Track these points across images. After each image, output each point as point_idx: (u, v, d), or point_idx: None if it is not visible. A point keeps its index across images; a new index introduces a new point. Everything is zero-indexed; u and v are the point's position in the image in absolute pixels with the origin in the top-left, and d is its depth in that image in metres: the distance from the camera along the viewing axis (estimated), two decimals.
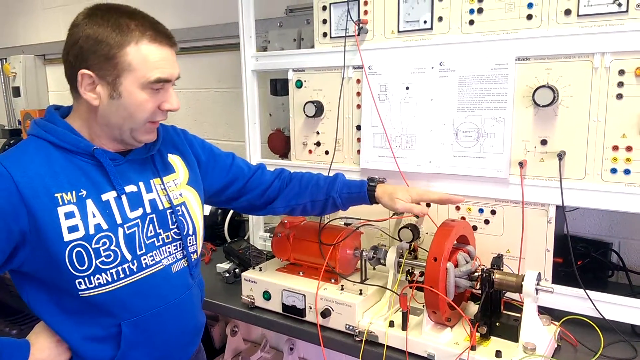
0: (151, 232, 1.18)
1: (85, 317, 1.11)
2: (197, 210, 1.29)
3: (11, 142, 3.13)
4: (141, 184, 1.18)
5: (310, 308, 1.42)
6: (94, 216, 1.08)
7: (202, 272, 1.85)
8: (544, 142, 1.35)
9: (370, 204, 1.39)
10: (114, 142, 1.15)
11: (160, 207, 1.20)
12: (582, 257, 1.60)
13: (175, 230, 1.23)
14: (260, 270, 1.57)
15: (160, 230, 1.20)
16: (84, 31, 1.05)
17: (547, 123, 1.34)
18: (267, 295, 1.49)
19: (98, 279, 1.08)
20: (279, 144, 2.04)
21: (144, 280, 1.15)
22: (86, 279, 1.07)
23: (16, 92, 3.30)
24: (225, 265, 1.82)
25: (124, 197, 1.14)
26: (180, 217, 1.23)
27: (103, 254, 1.09)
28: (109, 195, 1.12)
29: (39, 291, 1.10)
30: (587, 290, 1.33)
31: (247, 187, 1.44)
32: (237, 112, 2.18)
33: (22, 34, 3.46)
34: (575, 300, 1.36)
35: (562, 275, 1.45)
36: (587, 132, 1.30)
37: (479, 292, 1.26)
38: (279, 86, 2.06)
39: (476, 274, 1.26)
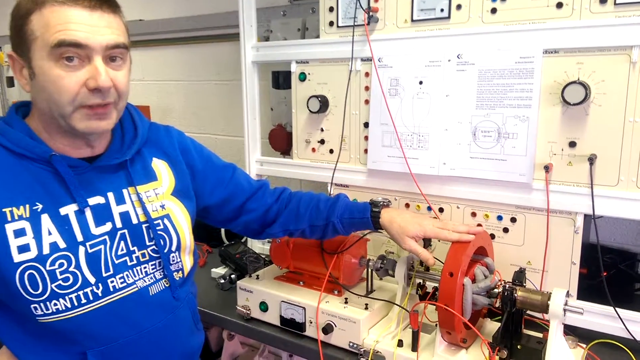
0: (122, 250, 1.04)
1: (48, 343, 0.99)
2: (183, 224, 1.14)
3: None
4: (110, 194, 1.04)
5: (311, 322, 1.29)
6: (49, 233, 0.95)
7: (196, 277, 1.75)
8: (572, 144, 1.22)
9: (375, 230, 1.25)
10: (70, 139, 1.00)
11: (135, 221, 1.06)
12: (608, 269, 1.47)
13: (153, 247, 1.08)
14: (258, 278, 1.44)
15: (134, 248, 1.06)
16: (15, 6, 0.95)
17: (576, 123, 1.21)
18: (264, 307, 1.37)
19: (55, 304, 0.95)
20: (281, 140, 1.91)
21: (113, 306, 1.01)
22: (41, 304, 0.94)
23: (10, 82, 3.19)
24: (221, 270, 1.70)
25: (87, 211, 1.00)
26: (160, 232, 1.09)
27: (60, 277, 0.95)
28: (69, 209, 0.98)
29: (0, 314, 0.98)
30: (617, 308, 1.20)
31: (245, 207, 1.29)
32: (238, 106, 2.05)
33: None
34: (603, 318, 1.24)
35: (586, 288, 1.33)
36: (621, 134, 1.16)
37: (498, 307, 1.13)
38: (281, 79, 1.93)
39: (496, 290, 1.13)
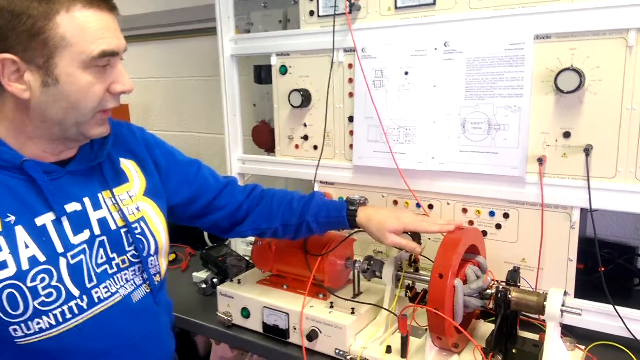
0: (102, 257, 0.97)
1: None
2: (158, 225, 1.08)
3: None
4: (86, 200, 0.97)
5: (295, 328, 1.22)
6: (26, 247, 0.87)
7: (177, 281, 1.68)
8: (566, 135, 1.15)
9: (351, 229, 1.19)
10: (53, 145, 0.93)
11: (113, 227, 1.00)
12: (605, 264, 1.41)
13: (133, 252, 1.02)
14: (239, 282, 1.37)
15: (114, 255, 0.99)
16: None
17: (571, 112, 1.14)
18: (245, 313, 1.30)
19: (38, 323, 0.88)
20: (264, 137, 1.83)
21: (99, 318, 0.95)
22: (22, 324, 0.87)
23: None
24: (202, 275, 1.62)
25: (64, 219, 0.92)
26: (138, 236, 1.03)
27: (42, 293, 0.88)
28: (45, 219, 0.90)
29: None
30: (616, 307, 1.14)
31: (213, 205, 1.22)
32: (220, 103, 1.98)
33: None
34: (602, 317, 1.18)
35: (583, 284, 1.26)
36: (618, 123, 1.10)
37: (491, 308, 1.07)
38: (263, 73, 1.85)
39: (489, 291, 1.07)
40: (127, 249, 1.02)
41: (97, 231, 0.97)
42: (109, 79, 0.90)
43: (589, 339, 1.15)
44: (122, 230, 1.01)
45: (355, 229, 1.19)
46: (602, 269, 1.31)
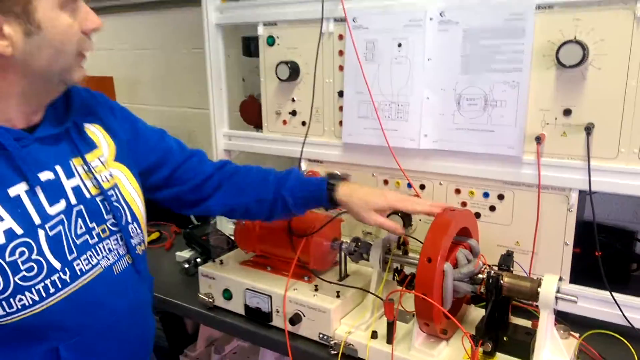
0: (81, 228, 0.92)
1: (12, 346, 0.86)
2: (132, 192, 1.03)
3: None
4: (59, 168, 0.91)
5: (278, 312, 1.17)
6: (1, 219, 0.82)
7: (161, 260, 1.63)
8: (567, 113, 1.09)
9: (329, 208, 1.12)
10: (24, 106, 0.87)
11: (88, 195, 0.94)
12: (603, 248, 1.35)
13: (112, 220, 0.97)
14: (222, 263, 1.31)
15: (93, 224, 0.94)
16: None
17: (572, 88, 1.07)
18: (227, 295, 1.25)
19: (21, 300, 0.83)
20: (252, 112, 1.75)
21: (81, 291, 0.90)
22: (4, 302, 0.81)
23: None
24: (186, 254, 1.57)
25: (38, 189, 0.86)
26: (115, 204, 0.98)
27: (23, 268, 0.82)
28: (18, 189, 0.84)
29: None
30: (613, 293, 1.09)
31: (177, 175, 1.14)
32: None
33: None
34: (598, 304, 1.13)
35: (579, 269, 1.21)
36: (622, 100, 1.03)
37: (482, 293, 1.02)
38: (252, 45, 1.75)
39: (480, 276, 1.02)
40: (106, 217, 0.96)
41: (73, 200, 0.92)
42: (80, 18, 0.86)
43: (583, 326, 1.10)
44: (98, 199, 0.96)
45: (341, 210, 1.13)
46: (599, 253, 1.26)
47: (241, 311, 1.24)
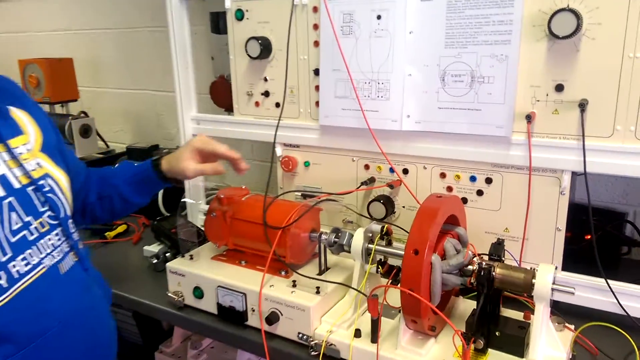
0: (16, 223, 0.82)
1: None
2: (65, 183, 0.95)
3: None
4: None
5: (253, 310, 1.08)
6: None
7: (128, 255, 1.52)
8: (559, 88, 1.01)
9: (165, 184, 1.16)
10: None
11: (17, 185, 0.84)
12: (593, 231, 1.30)
13: (49, 212, 0.88)
14: (192, 258, 1.22)
15: (29, 218, 0.85)
16: None
17: (565, 62, 0.99)
18: (198, 293, 1.15)
19: None
20: (223, 94, 1.63)
21: (22, 296, 0.81)
22: None
23: None
24: (155, 248, 1.46)
25: None
26: (50, 195, 0.88)
27: None
28: None
29: None
30: (608, 280, 1.03)
31: (86, 185, 1.14)
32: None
33: None
34: (592, 292, 1.07)
35: (570, 254, 1.15)
36: (619, 74, 0.96)
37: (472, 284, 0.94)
38: (221, 22, 1.63)
39: (470, 267, 0.94)
40: (41, 209, 0.87)
41: (1, 192, 0.82)
42: None
43: (577, 316, 1.04)
44: (29, 189, 0.86)
45: (163, 183, 1.15)
46: (589, 236, 1.20)
47: (214, 310, 1.14)
